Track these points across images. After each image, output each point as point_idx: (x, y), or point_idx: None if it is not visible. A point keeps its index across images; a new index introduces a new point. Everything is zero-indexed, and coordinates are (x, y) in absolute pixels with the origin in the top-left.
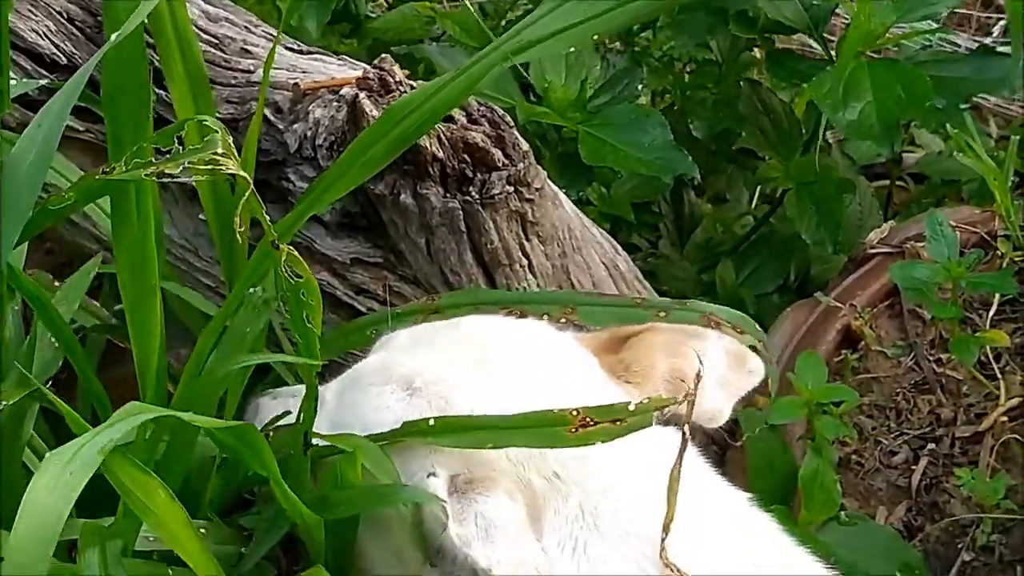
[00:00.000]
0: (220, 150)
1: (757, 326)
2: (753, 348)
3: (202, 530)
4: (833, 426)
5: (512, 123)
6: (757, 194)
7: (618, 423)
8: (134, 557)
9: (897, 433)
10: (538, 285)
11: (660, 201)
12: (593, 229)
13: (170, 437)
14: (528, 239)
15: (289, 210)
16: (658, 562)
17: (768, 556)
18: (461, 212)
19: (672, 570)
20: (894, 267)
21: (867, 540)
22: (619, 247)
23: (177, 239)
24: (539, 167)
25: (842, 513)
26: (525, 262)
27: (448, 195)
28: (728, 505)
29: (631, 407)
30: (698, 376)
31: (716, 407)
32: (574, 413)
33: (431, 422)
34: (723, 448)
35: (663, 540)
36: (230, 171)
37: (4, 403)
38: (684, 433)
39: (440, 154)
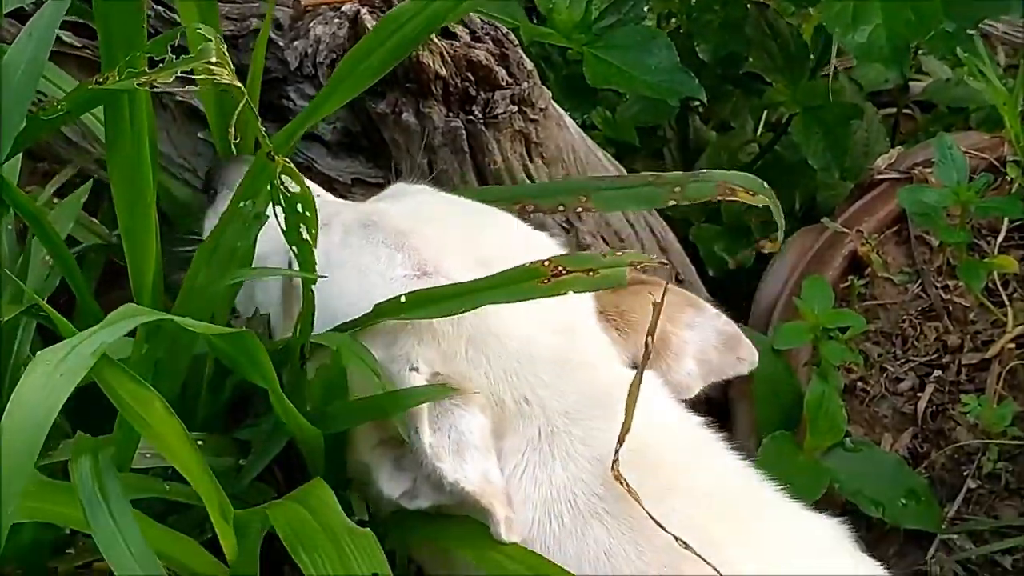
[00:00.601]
0: (214, 59)
1: (770, 189)
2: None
3: (199, 442)
4: (839, 352)
5: (516, 41)
6: (762, 121)
7: (591, 273)
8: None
9: (903, 360)
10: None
11: (665, 126)
12: (598, 152)
13: (165, 348)
14: (532, 160)
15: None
16: (607, 481)
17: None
18: (464, 132)
19: (622, 483)
20: (902, 191)
21: (872, 467)
22: (624, 171)
23: (176, 158)
24: (543, 87)
25: (847, 439)
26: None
27: (451, 114)
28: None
29: (605, 258)
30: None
31: (687, 381)
32: (547, 264)
33: (402, 299)
34: None
35: (616, 451)
36: (224, 80)
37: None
38: (647, 343)
39: (443, 72)
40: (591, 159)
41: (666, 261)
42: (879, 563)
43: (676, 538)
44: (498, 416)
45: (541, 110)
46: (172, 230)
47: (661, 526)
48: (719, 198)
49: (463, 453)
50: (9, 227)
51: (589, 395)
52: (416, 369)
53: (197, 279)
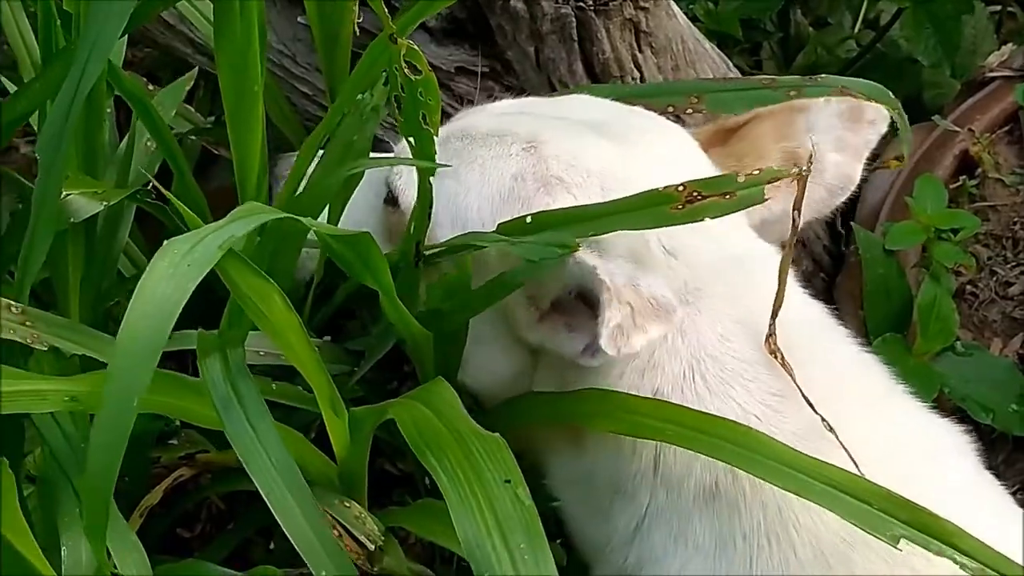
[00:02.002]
0: None
1: (892, 96)
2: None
3: None
4: (952, 253)
5: None
6: (860, 18)
7: (728, 196)
8: None
9: (1014, 263)
10: None
11: (767, 21)
12: (705, 44)
13: (276, 245)
14: (641, 50)
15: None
16: (753, 345)
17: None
18: (574, 19)
19: (777, 357)
20: (1019, 89)
21: (983, 371)
22: (730, 63)
23: (275, 44)
24: None
25: (957, 343)
26: (637, 74)
27: (560, 0)
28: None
29: (741, 179)
30: (810, 159)
31: (842, 173)
32: (680, 189)
33: (528, 219)
34: (831, 276)
35: (771, 325)
36: None
37: (104, 203)
38: (794, 218)
39: None
40: (699, 50)
41: (806, 169)
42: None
43: (815, 411)
44: (645, 259)
45: None
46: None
47: (809, 402)
48: None
49: (609, 258)
50: (109, 111)
51: (725, 254)
52: None
53: (302, 174)
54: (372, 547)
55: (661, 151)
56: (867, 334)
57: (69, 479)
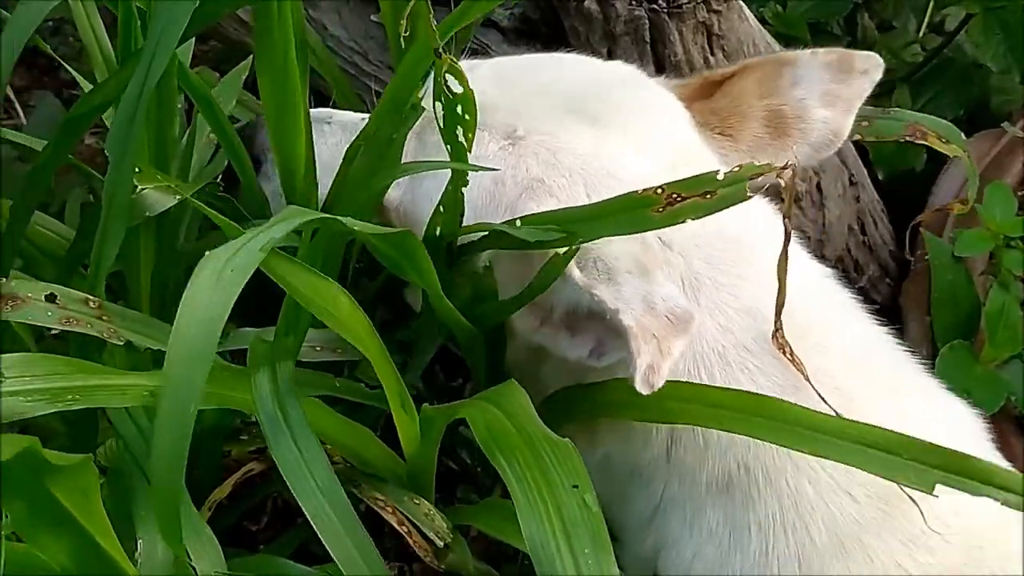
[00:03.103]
0: None
1: (963, 136)
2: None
3: None
4: (1021, 260)
5: None
6: (925, 22)
7: (708, 196)
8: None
9: None
10: None
11: (834, 24)
12: (775, 47)
13: (323, 246)
14: (713, 53)
15: None
16: (757, 335)
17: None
18: (647, 21)
19: (786, 353)
20: None
21: None
22: None
23: (346, 40)
24: None
25: None
26: None
27: (634, 2)
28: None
29: (720, 177)
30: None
31: (830, 129)
32: (659, 191)
33: (517, 223)
34: (897, 282)
35: (776, 323)
36: None
37: (177, 198)
38: (785, 224)
39: None
40: (769, 53)
41: (790, 168)
42: None
43: (822, 398)
44: (646, 260)
45: (725, 1)
46: None
47: (821, 396)
48: (907, 139)
49: (615, 278)
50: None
51: (721, 236)
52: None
53: (349, 174)
54: (440, 544)
55: (644, 133)
56: (934, 341)
57: (144, 473)
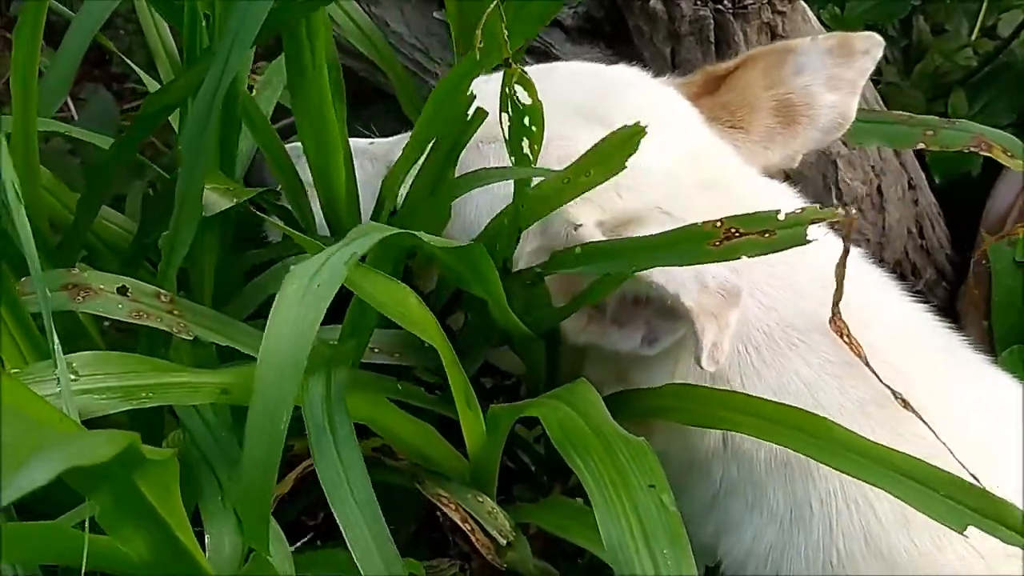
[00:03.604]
0: None
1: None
2: None
3: None
4: None
5: None
6: (977, 26)
7: (767, 235)
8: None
9: None
10: None
11: (889, 27)
12: None
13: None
14: None
15: None
16: (803, 312)
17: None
18: (712, 21)
19: (843, 335)
20: None
21: None
22: None
23: (407, 37)
24: None
25: None
26: None
27: (699, 2)
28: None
29: (782, 217)
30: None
31: (838, 112)
32: (718, 225)
33: (577, 250)
34: (954, 285)
35: (834, 311)
36: None
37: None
38: (845, 247)
39: None
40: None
41: (854, 210)
42: None
43: (876, 376)
44: None
45: (790, 2)
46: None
47: (878, 377)
48: (971, 150)
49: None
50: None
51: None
52: (580, 225)
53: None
54: (503, 542)
55: (658, 130)
56: (993, 345)
57: (212, 467)
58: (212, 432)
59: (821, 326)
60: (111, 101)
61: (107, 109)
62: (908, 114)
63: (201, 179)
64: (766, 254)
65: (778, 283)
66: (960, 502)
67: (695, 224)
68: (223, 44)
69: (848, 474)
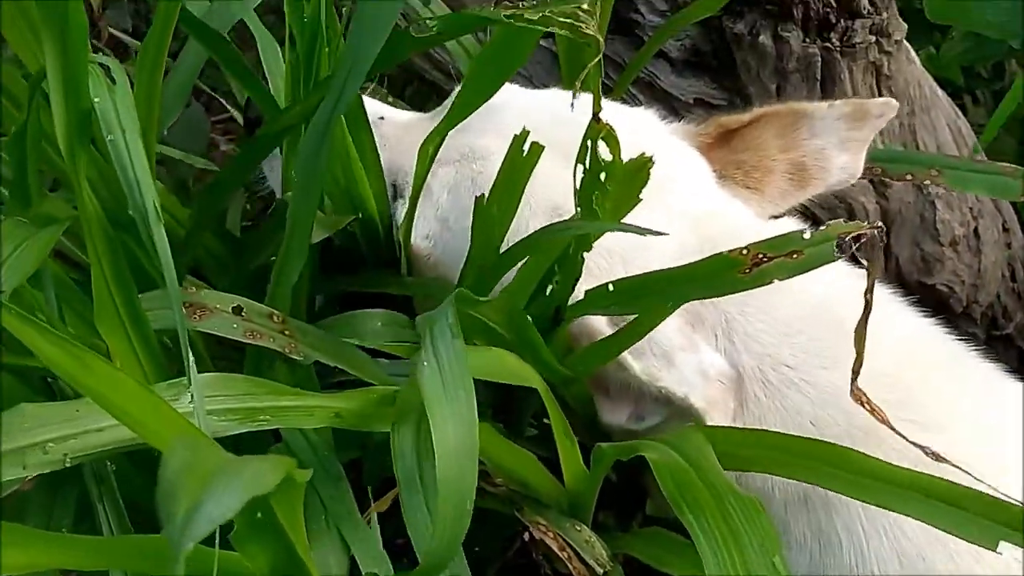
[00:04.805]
0: (585, 5)
1: None
2: None
3: None
4: None
5: None
6: None
7: (795, 256)
8: None
9: None
10: (882, 143)
11: (982, 68)
12: (938, 91)
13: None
14: (880, 93)
15: (631, 44)
16: (797, 351)
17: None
18: (819, 59)
19: (864, 403)
20: None
21: None
22: (959, 111)
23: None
24: (899, 19)
25: None
26: None
27: (808, 40)
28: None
29: (807, 236)
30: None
31: (847, 171)
32: (745, 252)
33: (610, 287)
34: None
35: (853, 380)
36: (586, 32)
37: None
38: (868, 289)
39: None
40: (932, 97)
41: (880, 225)
42: None
43: (902, 435)
44: (687, 322)
45: (896, 42)
46: None
47: (900, 433)
48: None
49: (674, 360)
50: None
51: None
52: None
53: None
54: (600, 571)
55: (665, 192)
56: None
57: (315, 487)
58: (316, 452)
59: (818, 357)
60: (202, 114)
61: (198, 122)
62: (1015, 167)
63: (314, 208)
64: (797, 275)
65: (767, 326)
66: (992, 519)
67: (722, 254)
68: (339, 73)
69: (877, 505)
